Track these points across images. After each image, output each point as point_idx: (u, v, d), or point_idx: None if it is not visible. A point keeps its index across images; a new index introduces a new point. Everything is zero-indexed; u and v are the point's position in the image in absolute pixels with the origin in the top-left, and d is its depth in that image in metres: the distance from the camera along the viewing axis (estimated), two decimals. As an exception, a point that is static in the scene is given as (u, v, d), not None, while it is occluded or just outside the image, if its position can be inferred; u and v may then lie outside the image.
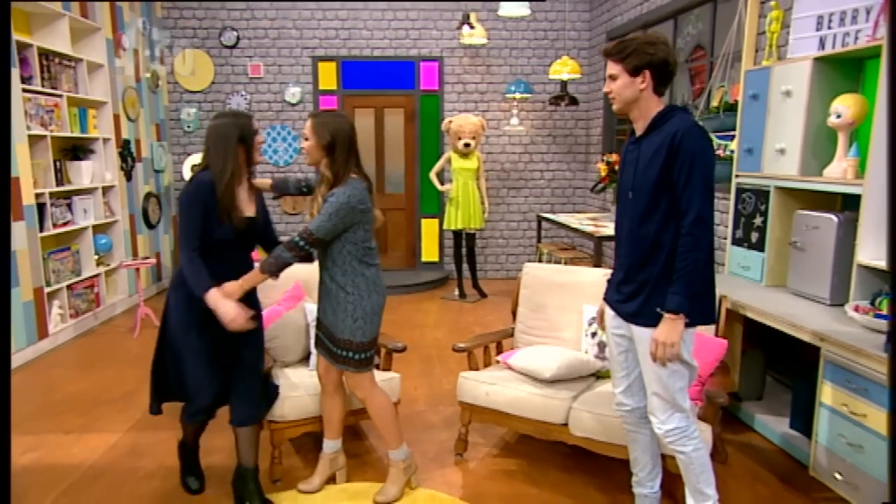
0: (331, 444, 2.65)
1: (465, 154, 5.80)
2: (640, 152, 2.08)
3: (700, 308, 2.04)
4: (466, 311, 5.68)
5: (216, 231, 2.31)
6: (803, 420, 2.90)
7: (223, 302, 2.27)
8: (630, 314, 2.12)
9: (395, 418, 2.62)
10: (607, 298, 2.27)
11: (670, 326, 1.97)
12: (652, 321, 2.03)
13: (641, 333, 2.09)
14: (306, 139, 2.40)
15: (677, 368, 2.06)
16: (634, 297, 2.09)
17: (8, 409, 1.75)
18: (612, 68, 2.06)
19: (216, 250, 2.34)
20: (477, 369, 3.01)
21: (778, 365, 3.56)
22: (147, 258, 5.56)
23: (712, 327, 2.85)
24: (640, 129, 2.11)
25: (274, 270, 2.30)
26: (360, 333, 2.40)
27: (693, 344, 2.09)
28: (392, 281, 6.39)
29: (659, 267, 2.03)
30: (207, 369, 2.39)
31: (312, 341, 2.75)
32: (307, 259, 2.37)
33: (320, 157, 2.38)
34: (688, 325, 2.01)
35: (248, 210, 2.43)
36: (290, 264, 2.31)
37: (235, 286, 2.31)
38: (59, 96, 4.73)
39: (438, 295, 6.29)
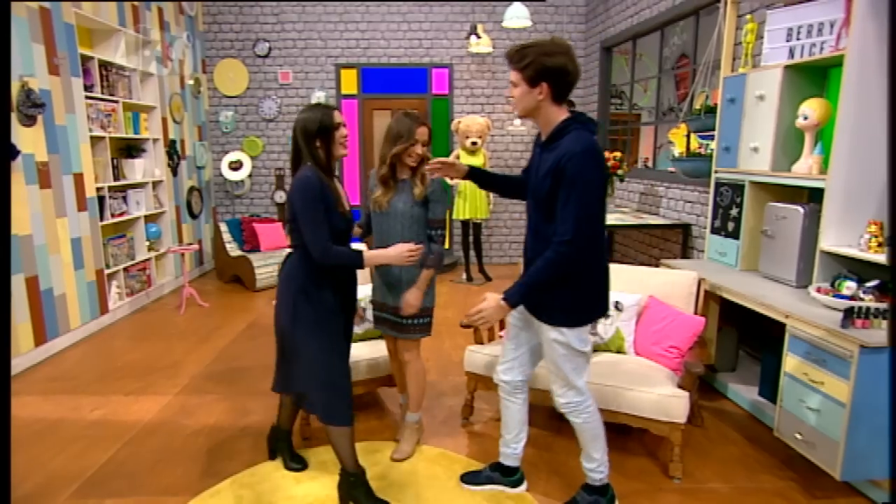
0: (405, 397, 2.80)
1: (472, 151, 5.83)
2: (541, 161, 1.97)
3: (578, 309, 2.01)
4: (473, 293, 5.74)
5: (335, 221, 2.13)
6: (770, 388, 2.94)
7: (385, 253, 2.19)
8: (531, 307, 2.08)
9: (426, 384, 2.74)
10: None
11: (496, 307, 1.94)
12: (547, 318, 2.02)
13: (543, 329, 2.06)
14: (425, 145, 2.40)
15: (565, 353, 2.04)
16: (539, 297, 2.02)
17: (8, 412, 1.70)
18: (513, 76, 1.92)
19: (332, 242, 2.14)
20: (482, 343, 3.07)
21: (749, 340, 3.59)
22: (191, 244, 5.67)
23: (692, 306, 2.91)
24: (544, 135, 1.98)
25: (439, 264, 2.46)
26: (434, 298, 2.59)
27: (583, 334, 2.05)
28: (407, 265, 6.46)
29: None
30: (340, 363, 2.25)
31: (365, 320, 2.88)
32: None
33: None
34: (573, 325, 2.01)
35: (346, 203, 2.26)
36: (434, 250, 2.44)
37: (417, 293, 2.42)
38: (116, 102, 4.81)
39: (448, 279, 6.35)
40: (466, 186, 5.83)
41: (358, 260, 2.15)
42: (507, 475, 2.41)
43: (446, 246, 2.23)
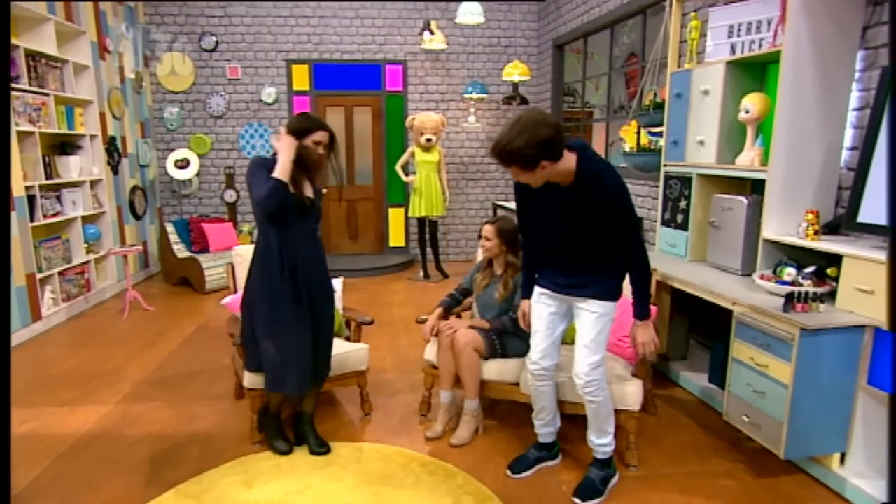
0: (447, 395, 2.80)
1: (427, 148, 5.79)
2: (570, 199, 2.05)
3: (618, 289, 2.26)
4: (430, 290, 5.70)
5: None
6: (719, 375, 3.03)
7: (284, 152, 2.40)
8: (581, 293, 2.23)
9: (479, 373, 2.73)
10: (544, 285, 2.33)
11: (648, 330, 2.25)
12: (598, 295, 2.20)
13: (588, 304, 2.22)
14: (488, 240, 2.78)
15: (604, 326, 2.22)
16: (587, 285, 2.21)
17: (8, 407, 1.67)
18: (521, 175, 1.97)
19: (279, 217, 2.40)
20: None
21: (700, 329, 3.69)
22: (134, 246, 5.41)
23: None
24: (565, 182, 2.03)
25: (500, 328, 2.76)
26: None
27: (612, 307, 2.25)
28: (362, 265, 6.38)
29: (604, 266, 2.21)
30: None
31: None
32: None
33: (501, 251, 2.80)
34: (614, 300, 2.24)
35: (308, 193, 2.53)
36: (508, 330, 2.75)
37: (466, 324, 2.81)
38: (47, 95, 4.53)
39: (405, 276, 6.30)
40: (422, 183, 5.79)
41: (274, 181, 2.37)
42: (550, 450, 2.55)
43: (510, 324, 2.75)
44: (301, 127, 2.45)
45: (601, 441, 2.34)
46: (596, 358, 2.21)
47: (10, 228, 3.08)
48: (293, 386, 2.46)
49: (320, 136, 2.46)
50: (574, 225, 2.10)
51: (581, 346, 2.24)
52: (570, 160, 1.97)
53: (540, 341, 2.38)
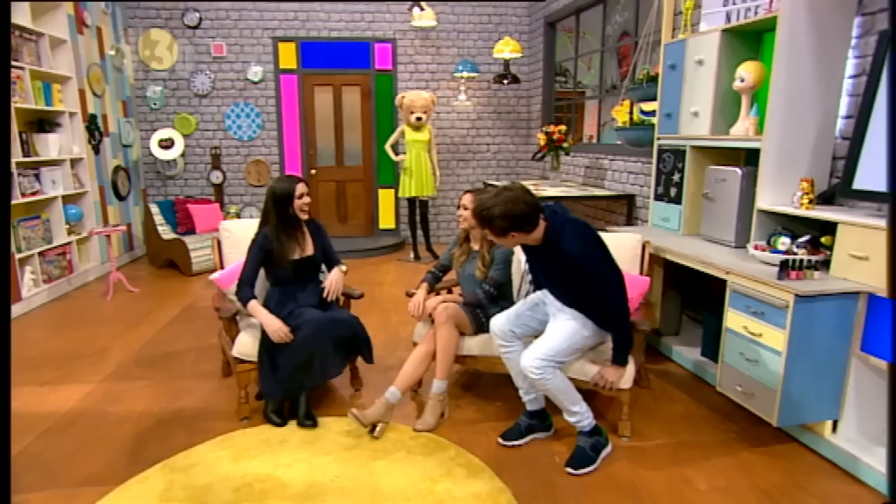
0: (395, 393, 2.61)
1: (417, 127, 5.71)
2: (548, 255, 2.22)
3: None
4: (421, 272, 5.52)
5: (276, 271, 2.73)
6: (712, 348, 3.02)
7: (264, 318, 2.57)
8: (565, 301, 2.35)
9: (455, 352, 2.69)
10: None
11: (619, 372, 2.34)
12: (579, 307, 2.31)
13: (566, 309, 2.34)
14: (466, 209, 2.70)
15: (577, 342, 2.28)
16: (571, 303, 2.34)
17: (8, 411, 1.63)
18: (494, 239, 2.22)
19: (280, 283, 2.75)
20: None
21: (692, 305, 3.69)
22: (117, 225, 5.29)
23: (637, 268, 2.94)
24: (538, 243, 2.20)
25: (474, 301, 2.75)
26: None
27: (592, 329, 2.32)
28: (352, 246, 6.32)
29: (586, 301, 2.30)
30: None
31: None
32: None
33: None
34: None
35: (307, 250, 2.78)
36: (482, 303, 2.74)
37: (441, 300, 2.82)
38: (21, 69, 4.39)
39: (395, 258, 6.24)
40: (412, 162, 5.72)
41: (244, 302, 2.65)
42: (542, 421, 2.54)
43: (483, 296, 2.73)
44: (288, 190, 2.66)
45: (573, 419, 2.35)
46: (549, 354, 2.23)
47: (9, 219, 2.97)
48: (267, 389, 2.62)
49: (301, 188, 2.68)
50: (555, 271, 2.29)
51: (540, 340, 2.29)
52: (540, 230, 2.15)
53: (513, 310, 2.47)
